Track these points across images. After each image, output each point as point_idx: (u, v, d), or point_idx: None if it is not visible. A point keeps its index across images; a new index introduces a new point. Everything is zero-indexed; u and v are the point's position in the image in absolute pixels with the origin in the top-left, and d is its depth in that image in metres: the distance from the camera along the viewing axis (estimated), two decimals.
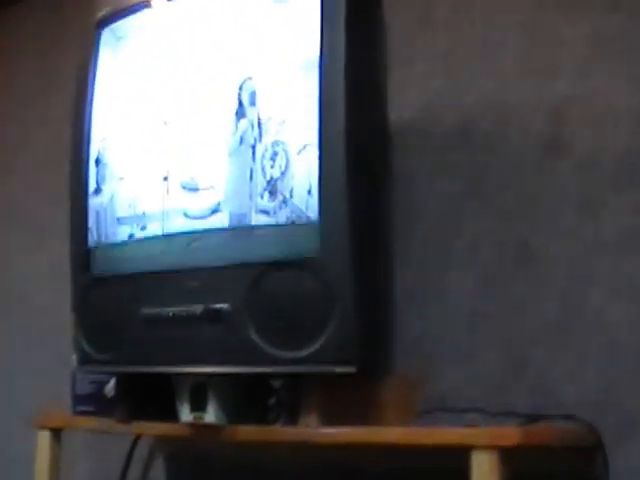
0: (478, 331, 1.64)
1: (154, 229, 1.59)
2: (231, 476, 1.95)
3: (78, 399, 1.83)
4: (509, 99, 1.67)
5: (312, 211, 1.39)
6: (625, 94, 1.53)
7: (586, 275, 1.54)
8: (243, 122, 1.49)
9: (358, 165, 1.40)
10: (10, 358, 2.55)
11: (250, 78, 1.50)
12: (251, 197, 1.46)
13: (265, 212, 1.45)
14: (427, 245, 1.73)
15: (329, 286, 1.36)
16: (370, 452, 1.57)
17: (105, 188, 1.68)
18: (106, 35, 1.72)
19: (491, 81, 1.70)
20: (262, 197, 1.45)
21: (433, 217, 1.73)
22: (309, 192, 1.40)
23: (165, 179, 1.58)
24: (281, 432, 1.48)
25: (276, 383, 1.53)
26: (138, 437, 2.03)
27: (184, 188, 1.56)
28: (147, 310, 1.56)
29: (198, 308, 1.49)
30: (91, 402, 1.81)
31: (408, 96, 1.75)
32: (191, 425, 1.54)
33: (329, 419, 1.44)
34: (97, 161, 1.70)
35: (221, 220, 1.50)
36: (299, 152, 1.42)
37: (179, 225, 1.56)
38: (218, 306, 1.47)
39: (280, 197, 1.43)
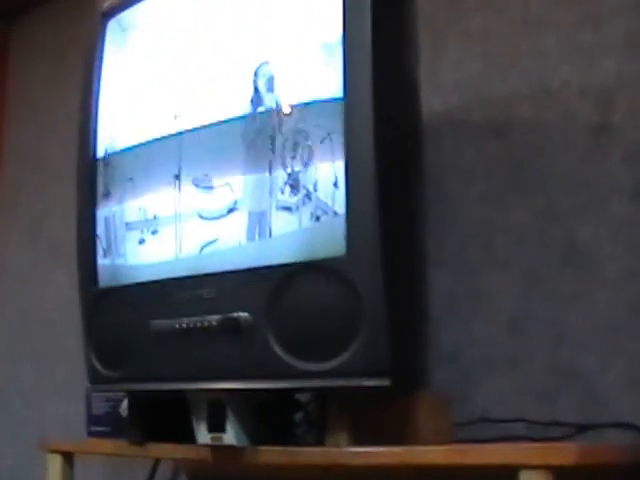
0: (523, 336, 1.54)
1: (166, 233, 1.48)
2: None
3: (93, 419, 1.74)
4: (553, 83, 1.56)
5: (339, 205, 1.26)
6: None
7: None
8: (260, 110, 1.37)
9: (388, 155, 1.27)
10: (29, 376, 2.50)
11: (267, 62, 1.38)
12: (271, 192, 1.34)
13: (287, 209, 1.32)
14: (465, 244, 1.63)
15: (358, 289, 1.23)
16: (405, 474, 1.43)
17: (114, 191, 1.57)
18: (112, 26, 1.62)
19: (532, 63, 1.59)
20: (283, 192, 1.33)
21: (471, 214, 1.63)
22: (335, 184, 1.27)
23: (177, 177, 1.47)
24: (308, 453, 1.35)
25: (303, 397, 1.43)
26: (158, 460, 1.91)
27: (197, 186, 1.44)
28: (158, 322, 1.45)
29: (214, 319, 1.37)
30: (106, 422, 1.71)
31: (441, 82, 1.67)
32: (209, 447, 1.43)
33: (359, 438, 1.32)
34: (105, 162, 1.60)
35: (238, 219, 1.38)
36: (322, 141, 1.29)
37: (193, 227, 1.44)
38: (236, 316, 1.35)
39: (303, 191, 1.30)
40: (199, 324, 1.39)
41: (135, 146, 1.55)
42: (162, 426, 1.54)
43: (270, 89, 1.36)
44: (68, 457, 1.72)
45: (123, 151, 1.57)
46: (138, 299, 1.50)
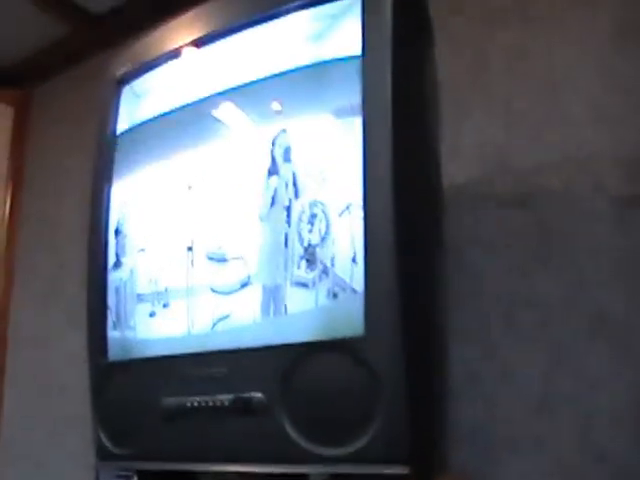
0: (550, 415, 1.46)
1: (177, 307, 1.41)
2: None
3: None
4: (580, 152, 1.50)
5: (357, 282, 1.18)
6: None
7: None
8: (275, 180, 1.30)
9: (409, 228, 1.20)
10: (42, 443, 2.42)
11: (284, 131, 1.31)
12: (286, 267, 1.27)
13: (302, 284, 1.25)
14: (488, 320, 1.55)
15: (376, 371, 1.16)
16: None
17: (125, 261, 1.51)
18: (126, 93, 1.57)
19: (559, 131, 1.53)
20: (299, 267, 1.25)
21: (494, 288, 1.56)
22: (354, 260, 1.19)
23: (189, 249, 1.40)
24: None
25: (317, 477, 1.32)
26: None
27: (210, 259, 1.37)
28: (168, 400, 1.37)
29: (226, 398, 1.29)
30: None
31: (462, 150, 1.61)
32: None
33: None
34: (117, 231, 1.53)
35: (252, 295, 1.30)
36: (341, 214, 1.22)
37: (205, 302, 1.37)
38: (249, 395, 1.27)
39: (320, 266, 1.23)
40: (210, 403, 1.31)
41: (148, 216, 1.50)
42: None
43: (287, 159, 1.30)
44: None
45: (135, 221, 1.52)
46: (148, 374, 1.43)
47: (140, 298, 1.47)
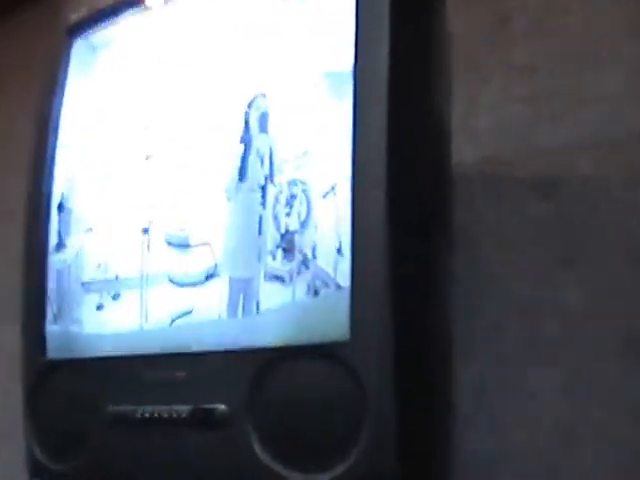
0: (573, 445, 1.49)
1: (129, 299, 1.46)
2: None
3: None
4: (617, 130, 1.53)
5: (342, 276, 1.22)
6: None
7: None
8: (247, 151, 1.35)
9: (406, 216, 1.23)
10: None
11: (263, 95, 1.36)
12: (259, 257, 1.31)
13: (278, 278, 1.29)
14: (500, 331, 1.58)
15: (363, 382, 1.19)
16: None
17: (69, 243, 1.57)
18: (78, 45, 1.62)
19: (591, 107, 1.56)
20: (274, 257, 1.29)
21: (508, 293, 1.59)
22: (339, 250, 1.23)
23: (145, 231, 1.45)
24: None
25: None
26: None
27: (170, 244, 1.42)
28: (116, 408, 1.42)
29: (183, 409, 1.33)
30: None
31: (476, 127, 1.64)
32: None
33: None
34: (60, 207, 1.59)
35: (218, 289, 1.35)
36: (325, 195, 1.26)
37: (162, 294, 1.42)
38: (210, 407, 1.31)
39: (299, 257, 1.27)
40: (165, 414, 1.35)
41: (98, 190, 1.54)
42: None
43: (263, 128, 1.34)
44: None
45: (83, 196, 1.57)
46: (94, 377, 1.47)
47: (86, 287, 1.52)
